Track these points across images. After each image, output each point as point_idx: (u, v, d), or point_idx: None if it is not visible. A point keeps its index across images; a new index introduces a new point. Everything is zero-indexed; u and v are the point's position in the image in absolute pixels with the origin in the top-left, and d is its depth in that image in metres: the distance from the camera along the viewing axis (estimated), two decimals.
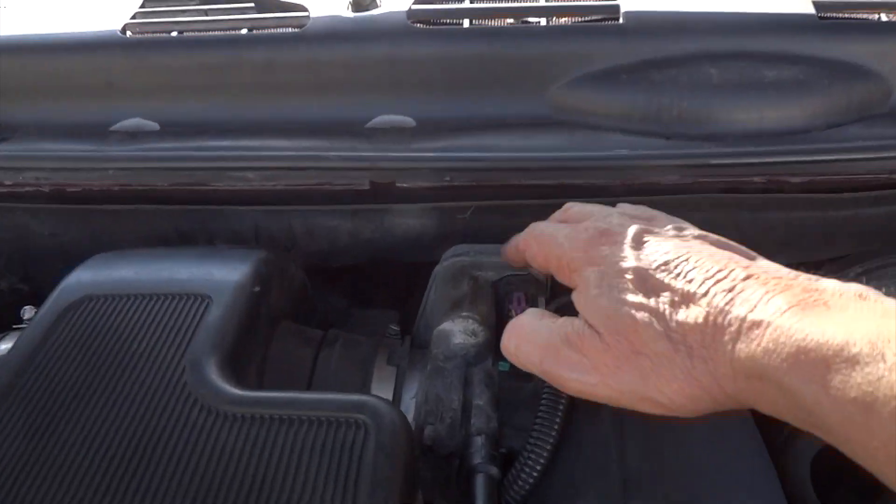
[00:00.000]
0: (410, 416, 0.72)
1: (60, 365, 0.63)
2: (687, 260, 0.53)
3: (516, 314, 0.76)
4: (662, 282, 0.52)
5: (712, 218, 0.85)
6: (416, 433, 0.71)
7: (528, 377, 0.76)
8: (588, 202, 0.82)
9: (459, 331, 0.73)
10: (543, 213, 0.87)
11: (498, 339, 0.78)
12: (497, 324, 0.78)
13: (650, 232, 0.58)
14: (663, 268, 0.53)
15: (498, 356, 0.76)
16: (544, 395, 0.68)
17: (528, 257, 0.69)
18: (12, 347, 0.66)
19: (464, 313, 0.73)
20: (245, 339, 0.67)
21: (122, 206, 0.90)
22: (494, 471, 0.64)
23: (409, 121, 0.86)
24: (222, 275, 0.71)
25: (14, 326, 0.80)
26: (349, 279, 1.19)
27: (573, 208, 0.69)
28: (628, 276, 0.54)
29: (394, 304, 1.24)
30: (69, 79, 0.92)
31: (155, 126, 0.92)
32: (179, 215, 0.89)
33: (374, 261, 0.93)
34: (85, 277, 0.73)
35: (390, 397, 0.73)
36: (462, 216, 0.84)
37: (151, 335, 0.65)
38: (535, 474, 0.63)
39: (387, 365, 0.75)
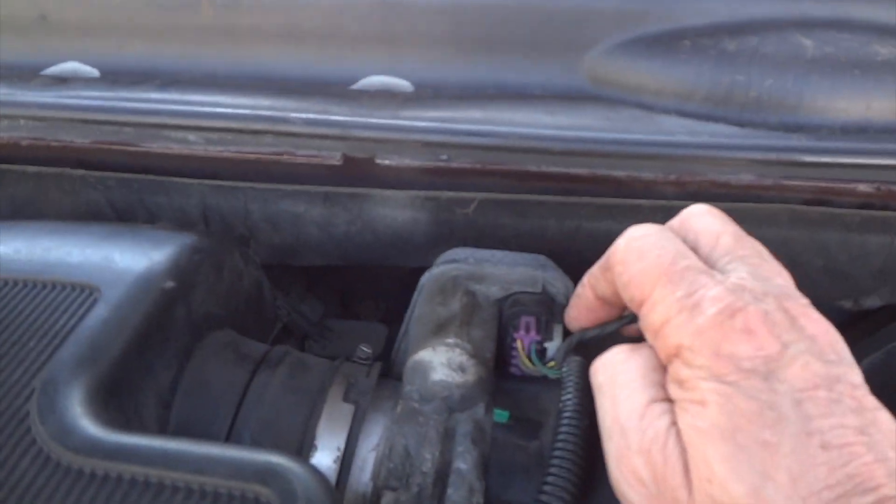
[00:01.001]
0: (366, 475, 0.52)
1: None
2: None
3: (524, 345, 0.57)
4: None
5: (791, 237, 0.65)
6: (370, 499, 0.52)
7: (533, 433, 0.56)
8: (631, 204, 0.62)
9: (441, 363, 0.54)
10: (570, 216, 0.68)
11: (495, 377, 0.59)
12: (498, 356, 0.58)
13: (830, 379, 0.36)
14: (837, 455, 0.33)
15: (495, 401, 0.57)
16: (554, 461, 0.47)
17: (617, 273, 0.45)
18: None
19: (450, 339, 0.54)
20: (142, 354, 0.48)
21: (44, 168, 0.72)
22: None
23: (404, 84, 0.67)
24: (125, 261, 0.52)
25: None
26: (329, 282, 1.00)
27: (711, 223, 0.46)
28: (782, 442, 0.34)
29: (386, 318, 1.05)
30: None
31: (94, 72, 0.74)
32: (112, 184, 0.71)
33: (350, 262, 0.74)
34: None
35: (342, 444, 0.53)
36: (464, 210, 0.64)
37: (4, 338, 0.46)
38: None
39: (342, 401, 0.55)
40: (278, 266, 0.79)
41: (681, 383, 0.39)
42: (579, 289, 0.51)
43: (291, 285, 0.90)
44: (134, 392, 0.47)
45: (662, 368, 0.42)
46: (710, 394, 0.36)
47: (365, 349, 0.64)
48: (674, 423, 0.38)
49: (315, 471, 0.38)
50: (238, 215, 0.71)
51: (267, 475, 0.37)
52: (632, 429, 0.39)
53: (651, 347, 0.43)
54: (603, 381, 0.44)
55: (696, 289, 0.39)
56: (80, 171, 0.71)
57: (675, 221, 0.48)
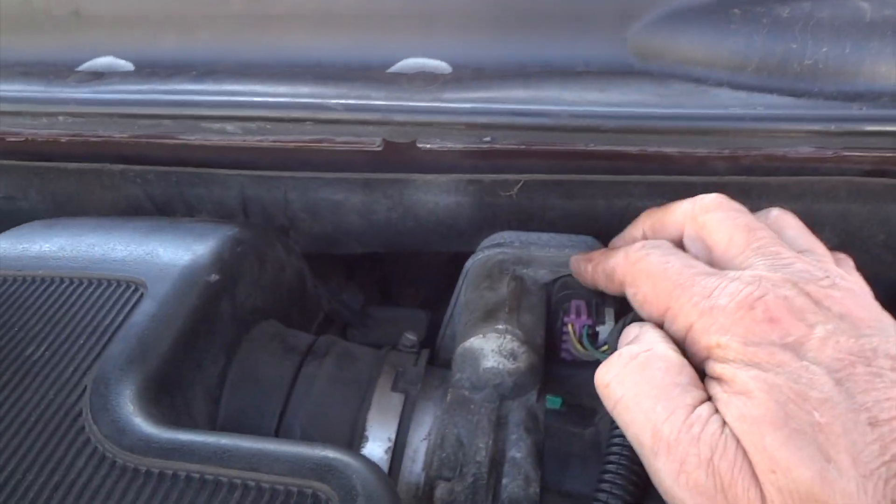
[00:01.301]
0: (419, 466, 0.51)
1: None
2: None
3: (575, 329, 0.55)
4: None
5: (850, 210, 0.62)
6: (423, 489, 0.51)
7: (588, 420, 0.55)
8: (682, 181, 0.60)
9: (492, 350, 0.52)
10: (619, 194, 0.65)
11: (546, 362, 0.57)
12: (547, 341, 0.57)
13: (863, 353, 0.35)
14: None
15: (546, 388, 0.55)
16: (613, 447, 0.45)
17: (630, 294, 0.47)
18: None
19: (500, 326, 0.52)
20: (190, 349, 0.48)
21: (84, 164, 0.72)
22: None
23: (442, 66, 0.65)
24: (169, 255, 0.52)
25: None
26: (368, 270, 1.00)
27: (720, 221, 0.45)
28: (833, 422, 0.33)
29: (426, 304, 1.03)
30: (28, 5, 0.74)
31: (129, 66, 0.74)
32: (152, 178, 0.71)
33: (391, 249, 0.73)
34: None
35: (393, 435, 0.52)
36: (508, 193, 0.63)
37: (56, 334, 0.46)
38: None
39: (391, 391, 0.54)
40: (318, 255, 0.79)
41: (720, 380, 0.38)
42: (583, 261, 0.53)
43: (331, 274, 0.89)
44: (184, 388, 0.47)
45: (687, 367, 0.40)
46: (753, 381, 0.35)
47: (410, 337, 0.63)
48: (724, 423, 0.36)
49: (373, 465, 0.37)
50: (278, 205, 0.70)
51: (324, 471, 0.36)
52: (683, 441, 0.37)
53: (666, 347, 0.41)
54: (625, 394, 0.41)
55: (710, 290, 0.39)
56: (120, 166, 0.71)
57: (687, 207, 0.47)
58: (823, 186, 0.60)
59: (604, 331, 0.54)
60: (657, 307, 0.43)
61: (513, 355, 0.52)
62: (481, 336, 0.52)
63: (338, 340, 0.60)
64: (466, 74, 0.64)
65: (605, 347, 0.53)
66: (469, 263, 0.62)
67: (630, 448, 0.44)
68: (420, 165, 0.63)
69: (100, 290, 0.49)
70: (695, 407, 0.38)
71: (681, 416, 0.37)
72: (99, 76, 0.72)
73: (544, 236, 0.60)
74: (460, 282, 0.62)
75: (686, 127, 0.56)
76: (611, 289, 0.50)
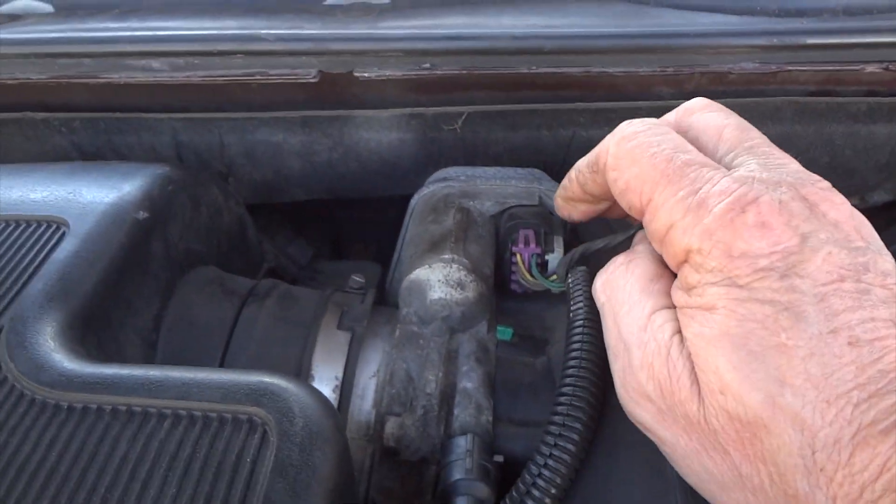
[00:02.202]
0: (368, 403, 0.50)
1: None
2: None
3: (523, 258, 0.54)
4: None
5: (795, 132, 0.62)
6: (374, 427, 0.49)
7: (540, 348, 0.54)
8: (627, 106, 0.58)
9: (440, 281, 0.51)
10: (564, 124, 0.64)
11: (496, 296, 0.56)
12: (497, 276, 0.55)
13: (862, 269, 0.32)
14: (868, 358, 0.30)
15: (496, 320, 0.54)
16: (568, 373, 0.44)
17: (611, 179, 0.40)
18: None
19: (446, 255, 0.51)
20: (118, 287, 0.45)
21: (3, 114, 0.68)
22: (484, 491, 0.42)
23: None
24: (93, 194, 0.49)
25: None
26: (319, 225, 0.97)
27: (709, 120, 0.41)
28: (800, 345, 0.31)
29: (379, 258, 1.01)
30: None
31: (48, 7, 0.69)
32: (76, 126, 0.67)
33: (335, 194, 0.71)
34: None
35: (340, 373, 0.51)
36: (451, 127, 0.61)
37: None
38: (551, 493, 0.40)
39: (337, 329, 0.53)
40: (265, 209, 0.76)
41: (688, 289, 0.35)
42: (566, 181, 0.47)
43: (278, 228, 0.86)
44: (113, 327, 0.44)
45: (665, 276, 0.39)
46: (720, 299, 0.33)
47: (357, 279, 0.61)
48: (677, 332, 0.35)
49: (310, 388, 0.35)
50: (214, 150, 0.67)
51: (259, 395, 0.34)
52: (633, 343, 0.36)
53: (650, 255, 0.40)
54: (604, 300, 0.40)
55: (699, 185, 0.35)
56: (43, 114, 0.67)
57: (670, 116, 0.43)
58: (768, 107, 0.60)
59: (553, 259, 0.53)
60: (639, 197, 0.38)
61: (460, 285, 0.51)
62: (427, 267, 0.51)
63: (279, 283, 0.58)
64: (405, 4, 0.61)
65: (555, 277, 0.52)
66: (414, 200, 0.60)
67: (588, 364, 0.43)
68: (360, 100, 0.61)
69: (18, 231, 0.45)
70: (655, 312, 0.36)
71: (640, 317, 0.36)
72: (16, 18, 0.68)
73: (490, 170, 0.59)
74: (406, 218, 0.60)
75: (629, 45, 0.54)
76: (593, 183, 0.44)
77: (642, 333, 0.36)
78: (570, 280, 0.49)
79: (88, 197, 0.48)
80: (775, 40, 0.53)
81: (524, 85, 0.57)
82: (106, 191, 0.49)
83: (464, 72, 0.55)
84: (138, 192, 0.49)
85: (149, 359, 0.48)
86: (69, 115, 0.66)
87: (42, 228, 0.46)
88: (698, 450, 0.33)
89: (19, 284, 0.42)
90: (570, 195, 0.46)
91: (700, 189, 0.35)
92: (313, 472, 0.31)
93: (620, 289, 0.39)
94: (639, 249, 0.41)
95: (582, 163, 0.44)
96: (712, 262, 0.34)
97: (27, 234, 0.45)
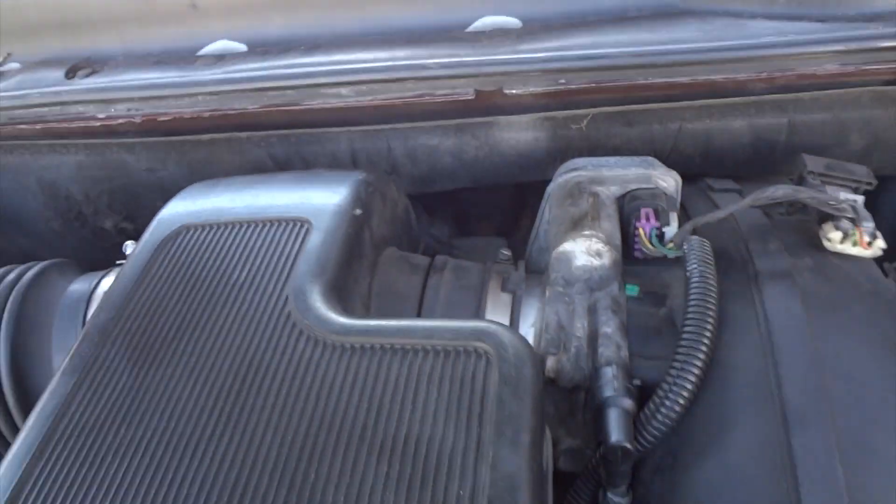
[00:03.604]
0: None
1: (160, 298, 0.60)
2: None
3: (645, 231, 0.68)
4: None
5: (874, 116, 0.73)
6: None
7: (661, 301, 0.68)
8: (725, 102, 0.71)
9: (582, 251, 0.66)
10: (671, 119, 0.77)
11: (623, 261, 0.70)
12: (623, 244, 0.70)
13: None
14: None
15: (625, 280, 0.68)
16: (689, 317, 0.58)
17: None
18: (113, 283, 0.64)
19: (586, 232, 0.65)
20: (349, 266, 0.62)
21: (215, 134, 0.86)
22: (629, 404, 0.57)
23: (514, 21, 0.77)
24: (321, 198, 0.66)
25: (117, 262, 0.78)
26: (450, 209, 1.13)
27: None
28: None
29: (499, 233, 1.17)
30: (152, 4, 0.88)
31: (242, 47, 0.87)
32: (273, 141, 0.85)
33: (478, 183, 0.86)
34: (180, 208, 0.70)
35: (507, 325, 0.66)
36: (577, 126, 0.75)
37: (251, 263, 0.61)
38: (677, 408, 0.55)
39: (501, 291, 0.68)
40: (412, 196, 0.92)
41: None
42: None
43: (418, 212, 1.03)
44: (348, 295, 0.61)
45: None
46: None
47: (505, 252, 0.76)
48: None
49: (514, 330, 0.51)
50: (381, 154, 0.84)
51: (482, 334, 0.50)
52: None
53: None
54: None
55: None
56: (246, 133, 0.85)
57: None
58: (849, 97, 0.71)
59: (669, 231, 0.67)
60: None
61: (598, 254, 0.65)
62: (572, 241, 0.65)
63: (449, 259, 0.74)
64: (536, 27, 0.75)
65: (671, 245, 0.66)
66: (550, 187, 0.74)
67: (704, 316, 0.57)
68: (502, 108, 0.76)
69: (275, 228, 0.63)
70: None
71: None
72: (220, 58, 0.86)
73: (611, 159, 0.72)
74: (543, 203, 0.75)
75: (728, 57, 0.67)
76: None
77: None
78: (685, 247, 0.63)
79: (319, 201, 0.65)
80: (853, 45, 0.65)
81: (639, 90, 0.70)
82: (330, 195, 0.66)
83: (592, 85, 0.69)
84: (353, 195, 0.66)
85: (368, 318, 0.65)
86: (268, 132, 0.84)
87: (293, 226, 0.63)
88: None
89: (290, 265, 0.59)
90: None
91: None
92: (526, 383, 0.47)
93: None
94: None
95: None
96: None
97: (283, 229, 0.63)
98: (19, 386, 0.69)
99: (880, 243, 0.63)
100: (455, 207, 1.16)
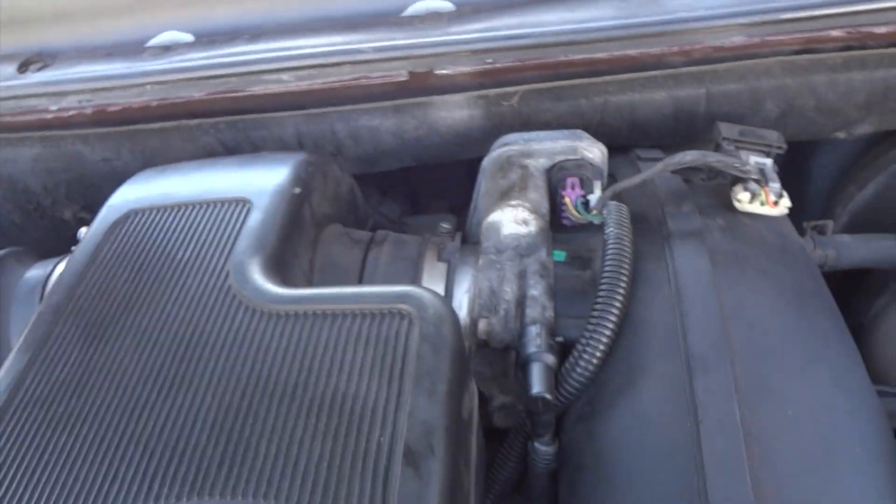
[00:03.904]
0: (464, 312, 0.69)
1: (110, 278, 0.63)
2: None
3: (570, 200, 0.72)
4: None
5: (785, 84, 0.77)
6: (470, 327, 0.69)
7: (586, 266, 0.72)
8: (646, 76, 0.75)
9: (510, 220, 0.70)
10: (597, 93, 0.81)
11: (551, 227, 0.74)
12: (551, 213, 0.74)
13: None
14: None
15: (553, 246, 0.72)
16: (604, 277, 0.63)
17: None
18: (65, 265, 0.67)
19: (512, 202, 0.69)
20: (288, 241, 0.65)
21: (165, 123, 0.89)
22: (550, 359, 0.61)
23: (447, 5, 0.81)
24: (261, 179, 0.69)
25: (71, 249, 0.81)
26: (404, 188, 1.17)
27: None
28: None
29: (452, 211, 1.21)
30: None
31: (189, 38, 0.90)
32: (222, 127, 0.88)
33: (421, 162, 0.90)
34: (129, 193, 0.73)
35: (442, 291, 0.70)
36: (509, 103, 0.79)
37: (194, 243, 0.64)
38: (594, 361, 0.59)
39: (437, 261, 0.72)
40: (357, 177, 0.96)
41: None
42: None
43: (369, 192, 1.06)
44: (289, 269, 0.65)
45: None
46: None
47: (445, 225, 0.80)
48: None
49: (436, 293, 0.55)
50: (326, 136, 0.87)
51: (405, 297, 0.54)
52: None
53: None
54: None
55: None
56: (196, 121, 0.88)
57: None
58: (761, 67, 0.76)
59: (593, 199, 0.71)
60: None
61: (525, 222, 0.69)
62: (500, 211, 0.70)
63: (390, 233, 0.78)
64: (468, 10, 0.79)
65: (595, 211, 0.70)
66: (484, 162, 0.78)
67: (617, 276, 0.61)
68: (438, 88, 0.79)
69: (218, 209, 0.66)
70: None
71: None
72: (168, 49, 0.88)
73: (541, 133, 0.76)
74: (479, 177, 0.79)
75: (643, 32, 0.71)
76: None
77: None
78: (605, 213, 0.67)
79: (260, 181, 0.69)
80: (757, 18, 0.69)
81: (563, 67, 0.74)
82: (270, 175, 0.69)
83: (518, 63, 0.73)
84: (292, 174, 0.69)
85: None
86: (216, 119, 0.87)
87: (235, 206, 0.66)
88: None
89: (231, 242, 0.63)
90: None
91: None
92: (444, 339, 0.51)
93: None
94: None
95: None
96: None
97: (225, 209, 0.66)
98: None
99: (786, 202, 0.68)
100: (408, 187, 1.20)
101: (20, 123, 0.91)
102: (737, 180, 0.69)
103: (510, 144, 0.76)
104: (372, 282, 0.71)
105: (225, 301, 0.58)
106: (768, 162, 0.69)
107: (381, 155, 0.89)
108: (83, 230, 0.81)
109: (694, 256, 0.63)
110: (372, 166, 0.92)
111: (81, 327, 0.60)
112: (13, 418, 0.54)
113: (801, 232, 0.77)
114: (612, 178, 0.79)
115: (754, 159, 0.69)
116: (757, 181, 0.67)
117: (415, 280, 0.71)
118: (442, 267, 0.72)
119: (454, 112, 0.81)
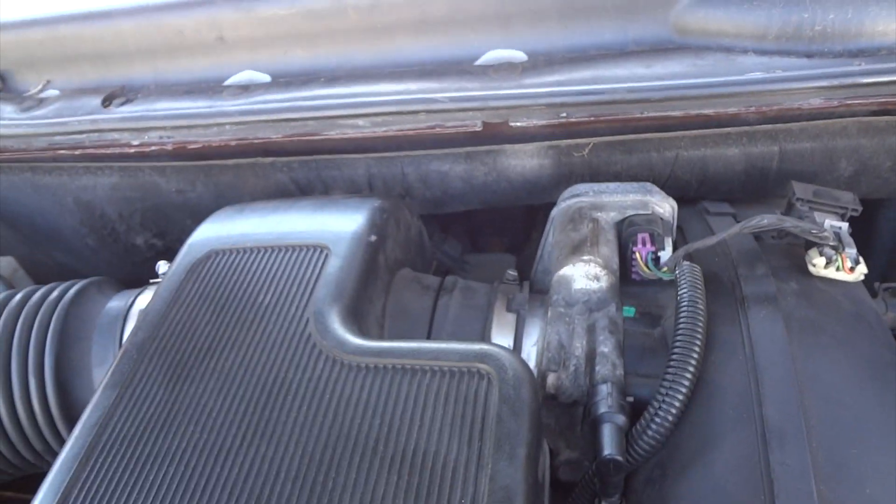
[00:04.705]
0: (532, 364, 0.70)
1: (192, 319, 0.65)
2: None
3: (641, 255, 0.72)
4: None
5: (861, 144, 0.77)
6: (538, 381, 0.69)
7: (655, 323, 0.72)
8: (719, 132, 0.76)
9: (581, 276, 0.70)
10: (668, 147, 0.81)
11: (621, 283, 0.74)
12: (621, 267, 0.74)
13: None
14: None
15: (622, 301, 0.73)
16: (678, 340, 0.63)
17: None
18: (149, 303, 0.69)
19: (585, 257, 0.70)
20: (365, 289, 0.67)
21: (240, 159, 0.92)
22: (622, 420, 0.61)
23: (519, 55, 0.82)
24: (339, 225, 0.71)
25: (151, 281, 0.84)
26: (463, 226, 1.18)
27: None
28: None
29: (510, 250, 1.22)
30: (182, 36, 0.94)
31: (266, 78, 0.93)
32: (296, 166, 0.90)
33: (488, 206, 0.91)
34: (209, 232, 0.75)
35: (510, 345, 0.71)
36: (580, 154, 0.79)
37: (274, 287, 0.66)
38: (667, 424, 0.59)
39: (506, 311, 0.73)
40: (422, 216, 0.97)
41: None
42: None
43: (432, 231, 1.08)
44: (364, 317, 0.66)
45: None
46: None
47: (512, 273, 0.81)
48: None
49: (515, 353, 0.56)
50: (396, 179, 0.89)
51: (484, 357, 0.55)
52: None
53: None
54: None
55: None
56: (270, 159, 0.91)
57: None
58: (836, 127, 0.75)
59: (664, 255, 0.71)
60: None
61: (596, 278, 0.70)
62: (571, 265, 0.70)
63: (459, 279, 0.79)
64: (540, 61, 0.80)
65: (665, 269, 0.71)
66: (554, 212, 0.79)
67: (693, 333, 0.61)
68: (508, 137, 0.81)
69: (297, 253, 0.68)
70: None
71: None
72: (245, 89, 0.91)
73: (611, 185, 0.77)
74: (548, 227, 0.80)
75: (719, 92, 0.71)
76: None
77: None
78: (678, 272, 0.67)
79: (337, 227, 0.71)
80: (836, 82, 0.69)
81: (638, 123, 0.75)
82: (347, 222, 0.71)
83: (591, 118, 0.74)
84: (368, 222, 0.71)
85: (381, 338, 0.70)
86: (290, 158, 0.90)
87: (313, 252, 0.68)
88: None
89: (310, 290, 0.64)
90: None
91: None
92: (523, 402, 0.52)
93: None
94: None
95: None
96: None
97: (304, 255, 0.68)
98: (62, 397, 0.75)
99: (862, 268, 0.67)
100: (468, 225, 1.21)
101: (102, 155, 0.95)
102: (811, 244, 0.69)
103: (580, 196, 0.77)
104: (442, 329, 0.72)
105: (306, 349, 0.60)
106: (844, 226, 0.69)
107: (448, 198, 0.90)
108: (162, 264, 0.85)
109: (769, 322, 0.62)
110: (439, 208, 0.94)
111: (165, 366, 0.62)
112: (102, 454, 0.56)
113: (872, 292, 0.76)
114: (679, 230, 0.79)
115: (829, 223, 0.69)
116: (833, 247, 0.67)
117: (484, 330, 0.72)
118: (511, 318, 0.73)
119: (525, 160, 0.83)
